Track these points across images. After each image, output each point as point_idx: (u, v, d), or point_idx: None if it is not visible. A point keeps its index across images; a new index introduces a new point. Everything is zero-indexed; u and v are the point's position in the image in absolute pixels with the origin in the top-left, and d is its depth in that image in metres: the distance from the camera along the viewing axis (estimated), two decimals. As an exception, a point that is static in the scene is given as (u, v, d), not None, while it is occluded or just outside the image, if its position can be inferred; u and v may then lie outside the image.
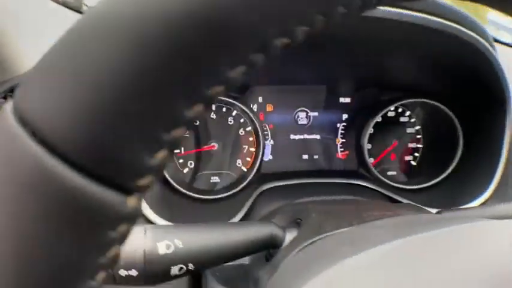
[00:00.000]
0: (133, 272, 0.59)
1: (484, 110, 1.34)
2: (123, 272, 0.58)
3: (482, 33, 1.12)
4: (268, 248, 0.80)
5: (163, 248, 0.60)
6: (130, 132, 0.22)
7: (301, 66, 1.39)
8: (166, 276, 0.62)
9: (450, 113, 1.47)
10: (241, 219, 1.18)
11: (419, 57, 1.30)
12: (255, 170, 1.42)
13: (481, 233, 0.56)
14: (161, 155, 0.24)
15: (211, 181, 1.46)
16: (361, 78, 1.53)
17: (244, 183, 1.39)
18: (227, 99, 1.38)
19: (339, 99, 1.57)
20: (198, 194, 1.34)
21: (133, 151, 0.23)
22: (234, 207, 1.24)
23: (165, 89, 0.22)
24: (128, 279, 0.58)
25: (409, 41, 1.17)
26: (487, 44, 1.12)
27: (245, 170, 1.47)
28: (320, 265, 0.46)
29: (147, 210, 1.06)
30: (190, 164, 1.44)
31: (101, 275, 0.26)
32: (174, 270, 0.62)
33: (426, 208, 1.21)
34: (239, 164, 1.48)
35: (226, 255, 0.73)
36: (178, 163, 1.43)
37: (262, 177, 1.47)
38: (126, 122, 0.22)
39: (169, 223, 1.09)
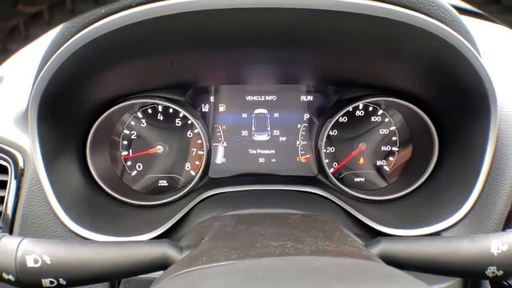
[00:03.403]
0: (11, 277, 0.68)
1: (464, 118, 1.14)
2: (5, 275, 0.68)
3: (467, 35, 0.94)
4: (164, 268, 0.76)
5: (31, 261, 0.68)
6: None
7: (259, 64, 1.27)
8: (39, 287, 0.68)
9: (425, 117, 1.27)
10: (170, 228, 1.12)
11: (394, 55, 1.10)
12: (199, 175, 1.35)
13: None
14: None
15: (159, 184, 1.41)
16: (325, 75, 1.37)
17: (186, 190, 1.33)
18: (167, 103, 1.31)
19: (300, 98, 1.43)
20: (132, 199, 1.29)
21: None
22: (167, 215, 1.18)
23: None
24: (10, 282, 0.68)
25: (383, 37, 0.99)
26: (470, 47, 0.93)
27: (193, 173, 1.40)
28: None
29: (66, 220, 1.04)
30: (139, 166, 1.40)
31: None
32: (46, 282, 0.68)
33: (383, 227, 1.07)
34: (188, 167, 1.41)
35: (104, 275, 0.72)
36: (127, 165, 1.40)
37: (210, 182, 1.40)
38: None
39: (90, 232, 1.06)
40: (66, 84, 1.01)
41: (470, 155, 1.10)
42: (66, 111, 1.11)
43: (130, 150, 1.39)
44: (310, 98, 1.43)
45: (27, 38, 0.39)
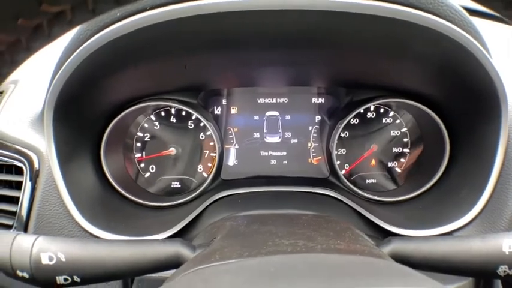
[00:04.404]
0: (26, 274, 0.69)
1: (474, 118, 1.14)
2: (19, 273, 0.69)
3: (477, 35, 0.94)
4: (177, 266, 0.77)
5: (46, 259, 0.69)
6: None
7: (271, 66, 1.28)
8: (53, 284, 0.69)
9: (436, 118, 1.27)
10: (183, 229, 1.13)
11: (404, 55, 1.10)
12: (211, 177, 1.36)
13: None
14: None
15: (172, 186, 1.42)
16: (336, 77, 1.37)
17: (198, 191, 1.34)
18: (180, 105, 1.33)
19: (311, 100, 1.44)
20: (146, 200, 1.30)
21: None
22: (180, 216, 1.19)
23: None
24: (24, 279, 0.69)
25: (394, 39, 1.00)
26: (480, 47, 0.94)
27: (206, 175, 1.42)
28: None
29: (81, 219, 1.05)
30: (152, 168, 1.42)
31: None
32: (60, 279, 0.69)
33: (395, 228, 1.08)
34: (200, 169, 1.43)
35: (118, 272, 0.73)
36: (140, 167, 1.41)
37: (222, 184, 1.41)
38: None
39: (104, 232, 1.08)
40: (82, 87, 1.02)
41: (482, 155, 1.10)
42: (81, 113, 1.13)
43: (144, 152, 1.41)
44: (321, 100, 1.44)
45: (49, 37, 0.41)
